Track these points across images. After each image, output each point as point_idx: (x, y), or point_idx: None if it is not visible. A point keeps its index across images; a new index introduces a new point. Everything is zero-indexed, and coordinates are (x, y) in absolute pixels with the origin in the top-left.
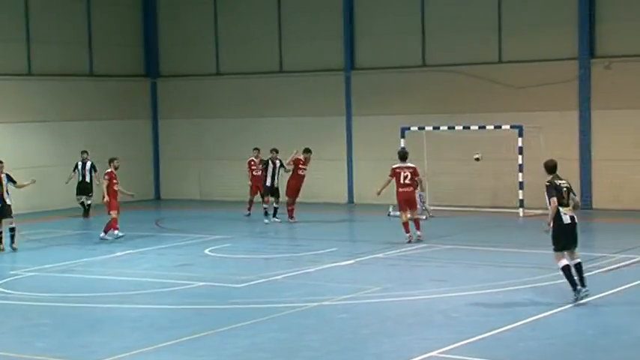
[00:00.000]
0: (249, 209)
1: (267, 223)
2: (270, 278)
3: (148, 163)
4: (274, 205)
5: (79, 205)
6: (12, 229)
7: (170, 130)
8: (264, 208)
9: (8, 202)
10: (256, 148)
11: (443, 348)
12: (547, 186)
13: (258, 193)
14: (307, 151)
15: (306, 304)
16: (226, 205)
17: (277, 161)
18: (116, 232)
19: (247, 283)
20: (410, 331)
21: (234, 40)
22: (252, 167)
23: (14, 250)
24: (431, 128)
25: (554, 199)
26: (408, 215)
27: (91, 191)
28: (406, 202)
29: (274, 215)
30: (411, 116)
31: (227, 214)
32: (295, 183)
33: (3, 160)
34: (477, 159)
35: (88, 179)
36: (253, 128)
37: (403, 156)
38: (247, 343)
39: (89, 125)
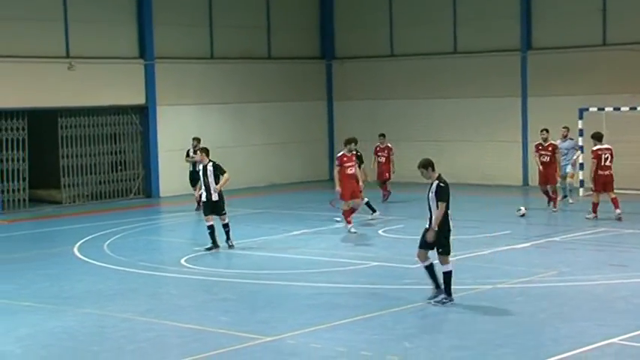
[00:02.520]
0: (383, 195)
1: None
2: None
3: (323, 144)
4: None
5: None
6: (225, 226)
7: (345, 111)
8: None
9: (215, 198)
10: (382, 134)
11: (624, 335)
12: (442, 187)
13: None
14: (546, 130)
15: (481, 287)
16: (400, 186)
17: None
18: (349, 225)
19: (421, 264)
20: (588, 317)
21: (409, 21)
22: (377, 153)
23: (231, 247)
24: (611, 109)
25: (445, 204)
26: (612, 196)
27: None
28: (606, 184)
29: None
30: (589, 97)
31: (401, 196)
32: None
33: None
34: (522, 214)
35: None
36: (427, 109)
37: (601, 137)
38: (421, 324)
39: (267, 107)
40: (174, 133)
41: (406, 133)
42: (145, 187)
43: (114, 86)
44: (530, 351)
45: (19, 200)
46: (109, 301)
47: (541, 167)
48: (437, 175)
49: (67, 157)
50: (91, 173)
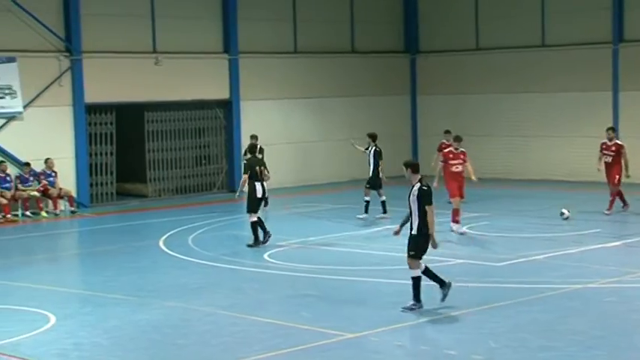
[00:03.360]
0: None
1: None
2: (531, 258)
3: (406, 138)
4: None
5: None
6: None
7: (428, 106)
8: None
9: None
10: (447, 131)
11: None
12: (425, 190)
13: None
14: (612, 129)
15: (570, 286)
16: (484, 182)
17: (372, 148)
18: (456, 226)
19: (507, 262)
20: None
21: (495, 14)
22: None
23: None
24: None
25: (432, 206)
26: None
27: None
28: None
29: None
30: None
31: (486, 192)
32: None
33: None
34: (566, 217)
35: None
36: (513, 104)
37: None
38: (508, 323)
39: (350, 101)
40: (258, 127)
41: (491, 129)
42: (228, 181)
43: (199, 81)
44: (624, 353)
45: (106, 194)
46: (194, 295)
47: (601, 167)
48: (419, 177)
49: (153, 151)
50: (176, 167)
